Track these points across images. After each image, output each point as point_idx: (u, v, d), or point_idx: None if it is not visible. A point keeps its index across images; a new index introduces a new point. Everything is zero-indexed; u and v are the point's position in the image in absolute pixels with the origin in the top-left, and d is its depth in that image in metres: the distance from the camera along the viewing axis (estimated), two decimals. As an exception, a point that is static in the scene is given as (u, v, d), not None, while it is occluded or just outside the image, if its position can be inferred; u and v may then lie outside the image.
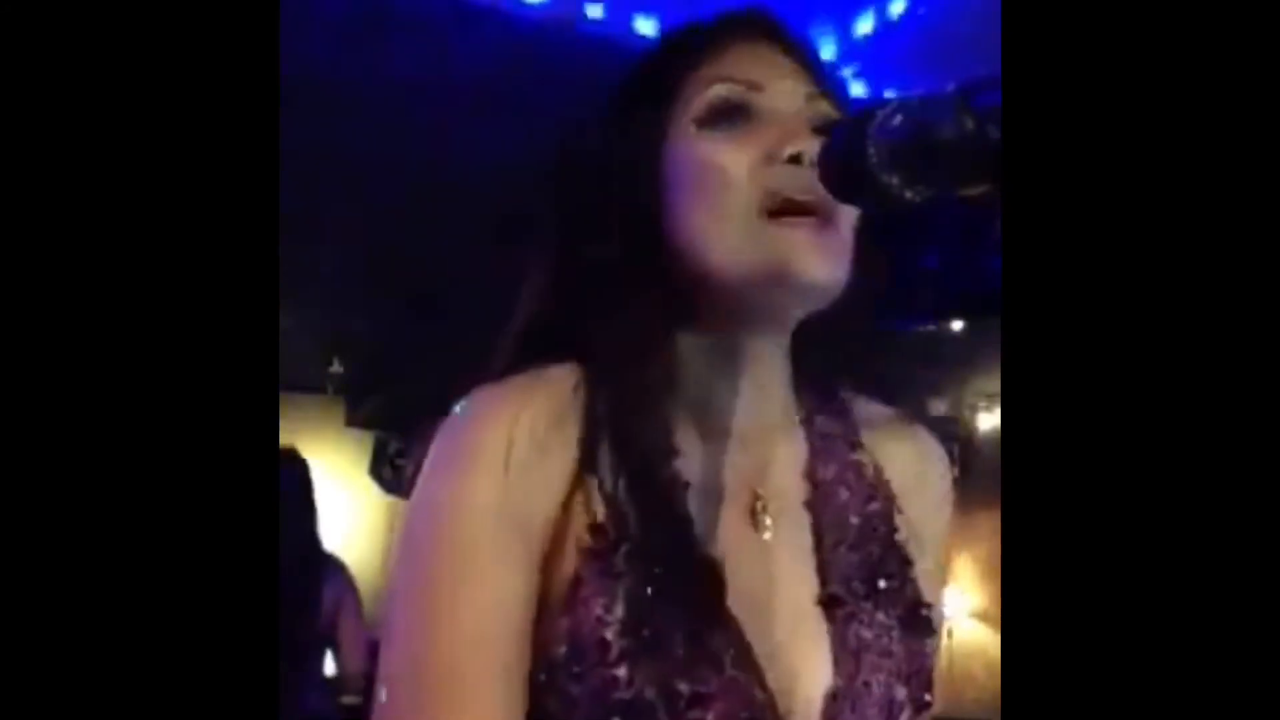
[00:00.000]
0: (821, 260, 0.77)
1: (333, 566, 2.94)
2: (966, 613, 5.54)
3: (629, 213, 0.80)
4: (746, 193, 0.77)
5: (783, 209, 0.76)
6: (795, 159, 0.75)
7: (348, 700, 2.97)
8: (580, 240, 0.82)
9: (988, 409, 5.35)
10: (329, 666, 2.96)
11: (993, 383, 5.13)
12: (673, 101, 0.81)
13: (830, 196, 0.74)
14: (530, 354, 0.81)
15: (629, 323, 0.79)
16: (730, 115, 0.79)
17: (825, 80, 0.84)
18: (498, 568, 0.73)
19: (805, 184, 0.75)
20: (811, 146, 0.73)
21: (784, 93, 0.80)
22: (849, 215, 0.78)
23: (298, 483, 2.87)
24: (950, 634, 5.48)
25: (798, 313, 0.81)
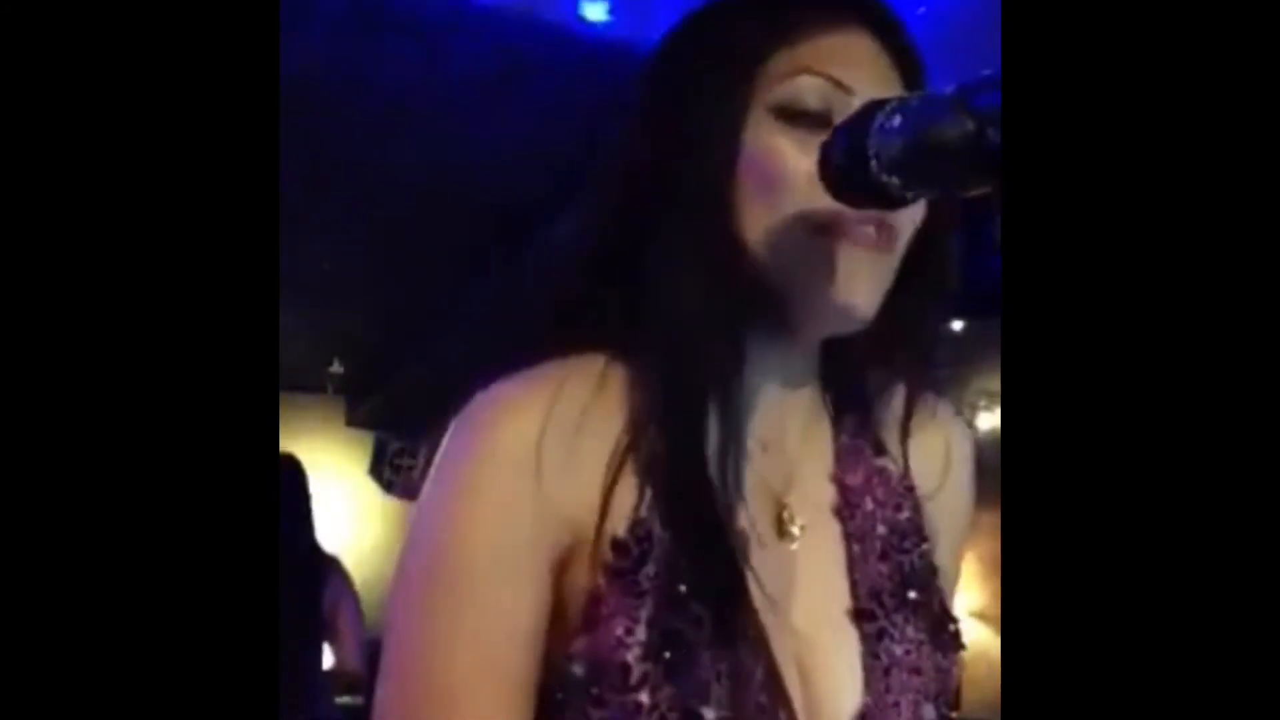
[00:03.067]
0: (869, 290, 0.74)
1: (331, 567, 2.94)
2: (966, 613, 5.54)
3: (696, 189, 0.75)
4: (804, 206, 0.72)
5: (840, 230, 0.73)
6: None
7: (346, 701, 2.97)
8: (641, 211, 0.77)
9: (988, 409, 5.34)
10: (327, 666, 2.96)
11: (993, 383, 5.12)
12: (755, 77, 0.75)
13: (891, 224, 0.73)
14: (561, 337, 0.77)
15: (686, 313, 0.74)
16: (811, 118, 0.74)
17: (915, 83, 0.78)
18: (511, 575, 0.70)
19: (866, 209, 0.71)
20: None
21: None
22: (906, 235, 0.75)
23: (295, 490, 2.87)
24: (949, 634, 5.47)
25: (829, 331, 0.79)
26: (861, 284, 0.74)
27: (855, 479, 0.81)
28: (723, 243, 0.74)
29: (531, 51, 3.01)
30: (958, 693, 0.79)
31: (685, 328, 0.74)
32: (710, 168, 0.74)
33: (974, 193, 0.59)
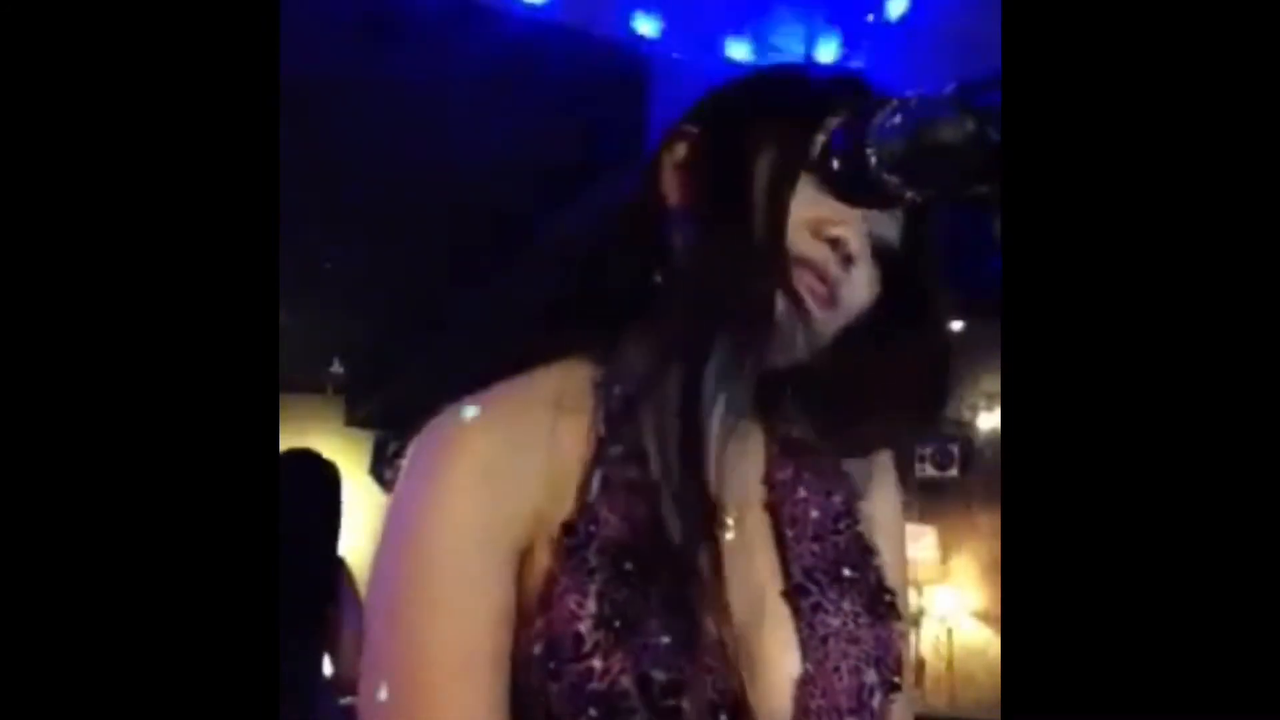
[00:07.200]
0: (800, 330, 0.78)
1: (335, 568, 2.94)
2: (966, 613, 5.54)
3: (747, 237, 0.78)
4: (783, 252, 0.77)
5: (801, 277, 0.77)
6: (834, 241, 0.76)
7: (347, 701, 2.97)
8: (647, 233, 0.82)
9: (988, 409, 5.35)
10: (329, 667, 2.96)
11: (993, 383, 5.13)
12: (806, 143, 0.78)
13: (841, 285, 0.77)
14: (537, 341, 0.82)
15: (661, 332, 0.79)
16: (818, 173, 0.77)
17: None
18: (477, 579, 0.74)
19: (828, 264, 0.76)
20: (853, 236, 0.76)
21: None
22: (842, 299, 0.79)
23: (330, 496, 2.89)
24: (950, 634, 5.48)
25: (774, 361, 0.82)
26: (799, 324, 0.77)
27: (785, 474, 0.87)
28: (762, 249, 0.78)
29: (533, 51, 3.01)
30: (899, 659, 0.83)
31: (655, 344, 0.79)
32: (769, 193, 0.77)
33: (974, 192, 0.59)
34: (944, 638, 5.52)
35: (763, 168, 0.78)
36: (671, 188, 0.83)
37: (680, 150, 0.83)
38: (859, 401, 0.85)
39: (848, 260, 0.77)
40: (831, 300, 0.78)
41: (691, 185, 0.82)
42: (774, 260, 0.77)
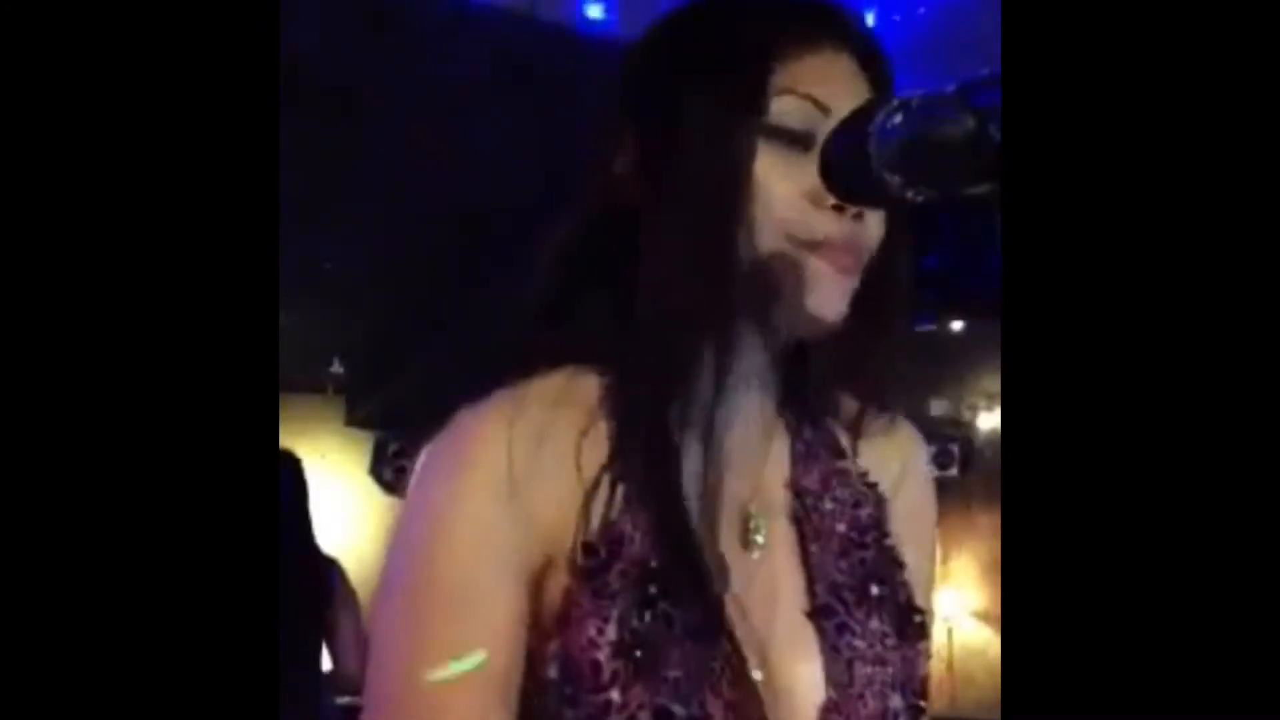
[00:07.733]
0: (835, 298, 0.77)
1: (330, 567, 2.94)
2: (966, 613, 5.54)
3: (693, 199, 0.76)
4: (784, 228, 0.75)
5: (815, 246, 0.76)
6: (839, 206, 0.74)
7: (345, 701, 2.98)
8: (624, 217, 0.78)
9: (988, 409, 5.35)
10: (327, 666, 2.96)
11: (993, 383, 5.13)
12: (755, 95, 0.76)
13: (863, 246, 0.77)
14: (537, 347, 0.80)
15: (663, 324, 0.76)
16: (792, 139, 0.76)
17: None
18: (490, 592, 0.72)
19: (845, 233, 0.75)
20: None
21: None
22: (868, 254, 0.78)
23: (292, 483, 2.86)
24: (950, 634, 5.49)
25: (798, 335, 0.80)
26: (832, 293, 0.77)
27: (812, 481, 0.83)
28: (713, 251, 0.76)
29: (533, 51, 3.01)
30: (925, 680, 0.80)
31: (672, 334, 0.76)
32: (710, 181, 0.76)
33: (975, 191, 0.59)
34: (944, 638, 5.53)
35: (706, 152, 0.75)
36: (620, 192, 0.79)
37: (617, 150, 0.80)
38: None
39: (858, 215, 0.76)
40: (859, 262, 0.77)
41: (639, 187, 0.78)
42: (731, 263, 0.74)
